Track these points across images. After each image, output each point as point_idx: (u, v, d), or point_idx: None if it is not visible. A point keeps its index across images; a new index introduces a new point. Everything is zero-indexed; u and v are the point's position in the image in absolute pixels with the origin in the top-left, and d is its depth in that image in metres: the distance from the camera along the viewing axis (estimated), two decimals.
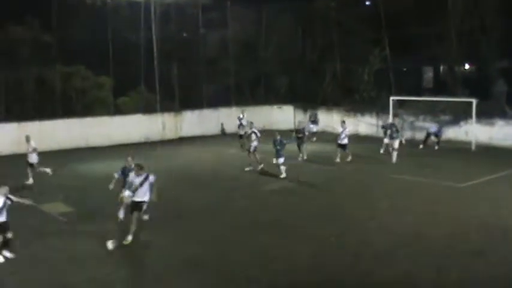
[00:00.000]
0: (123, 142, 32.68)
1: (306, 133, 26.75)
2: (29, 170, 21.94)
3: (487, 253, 13.27)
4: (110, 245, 13.57)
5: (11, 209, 13.14)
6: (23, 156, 28.12)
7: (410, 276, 11.98)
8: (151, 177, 14.46)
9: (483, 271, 12.24)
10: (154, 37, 35.96)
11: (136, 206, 14.32)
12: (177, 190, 20.60)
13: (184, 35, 40.36)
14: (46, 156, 28.54)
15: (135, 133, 34.42)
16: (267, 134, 34.01)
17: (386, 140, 27.72)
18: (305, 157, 26.51)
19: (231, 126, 35.66)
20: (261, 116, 39.70)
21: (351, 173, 23.84)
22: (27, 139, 22.21)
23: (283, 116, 39.11)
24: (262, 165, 23.99)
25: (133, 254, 13.53)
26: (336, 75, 39.58)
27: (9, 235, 12.98)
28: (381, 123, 33.58)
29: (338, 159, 25.90)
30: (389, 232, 15.10)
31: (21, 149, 29.31)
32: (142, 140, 34.32)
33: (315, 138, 33.15)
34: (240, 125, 28.71)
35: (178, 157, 29.30)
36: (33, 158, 22.03)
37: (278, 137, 23.01)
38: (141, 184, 14.24)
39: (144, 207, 14.64)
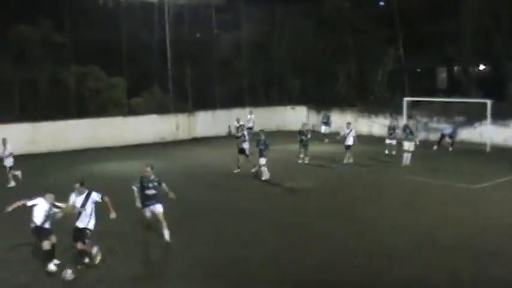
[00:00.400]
0: (136, 143, 32.93)
1: (309, 136, 26.35)
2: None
3: (500, 254, 13.12)
4: (68, 275, 11.86)
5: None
6: (36, 156, 28.47)
7: (422, 277, 11.89)
8: (94, 194, 12.59)
9: (496, 272, 12.11)
10: (167, 38, 36.10)
11: (78, 233, 12.39)
12: (189, 190, 20.60)
13: (198, 35, 40.43)
14: (59, 157, 28.91)
15: (149, 134, 34.55)
16: (279, 134, 34.14)
17: (392, 142, 27.62)
18: (301, 161, 26.14)
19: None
20: (275, 116, 39.84)
21: (364, 174, 23.76)
22: (4, 142, 22.03)
23: (296, 117, 38.97)
24: (239, 170, 23.74)
25: (144, 254, 13.52)
26: (350, 76, 39.46)
27: (54, 240, 12.54)
28: (395, 124, 33.39)
29: (351, 160, 25.84)
30: (402, 233, 15.02)
31: (35, 149, 29.77)
32: (157, 140, 34.50)
33: (327, 140, 33.06)
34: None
35: (191, 157, 29.37)
36: (9, 162, 22.02)
37: (262, 137, 22.74)
38: (83, 205, 12.40)
39: (88, 236, 12.52)
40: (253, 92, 41.01)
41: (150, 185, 13.88)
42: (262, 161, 22.37)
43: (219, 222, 16.51)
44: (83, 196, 12.43)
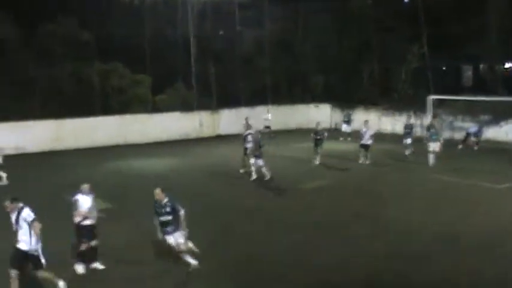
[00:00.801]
0: (160, 140, 33.18)
1: (326, 135, 25.95)
2: None
3: None
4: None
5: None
6: (60, 153, 28.69)
7: (443, 277, 11.75)
8: (26, 211, 10.68)
9: None
10: (191, 35, 36.21)
11: (25, 258, 10.73)
12: (205, 188, 20.71)
13: (221, 32, 40.53)
14: (84, 153, 29.16)
15: (173, 131, 34.75)
16: (298, 133, 34.01)
17: (406, 141, 26.99)
18: (318, 162, 25.39)
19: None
20: (297, 114, 39.76)
21: (387, 173, 23.58)
22: None
23: (319, 115, 38.81)
24: (251, 169, 22.62)
25: (158, 252, 13.43)
26: (373, 73, 39.22)
27: (94, 243, 12.32)
28: (419, 122, 33.16)
29: (361, 161, 25.39)
30: (425, 233, 14.85)
31: (59, 145, 30.11)
32: (181, 137, 34.69)
33: (349, 138, 32.91)
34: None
35: (214, 155, 29.46)
36: None
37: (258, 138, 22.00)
38: (16, 222, 10.60)
39: (42, 261, 10.84)
40: (277, 89, 40.93)
41: (162, 210, 12.06)
42: (259, 162, 21.71)
43: (239, 221, 16.46)
44: (15, 214, 10.66)
